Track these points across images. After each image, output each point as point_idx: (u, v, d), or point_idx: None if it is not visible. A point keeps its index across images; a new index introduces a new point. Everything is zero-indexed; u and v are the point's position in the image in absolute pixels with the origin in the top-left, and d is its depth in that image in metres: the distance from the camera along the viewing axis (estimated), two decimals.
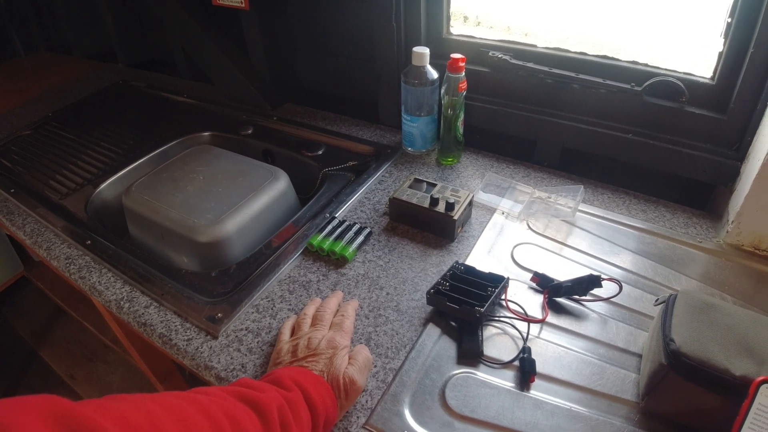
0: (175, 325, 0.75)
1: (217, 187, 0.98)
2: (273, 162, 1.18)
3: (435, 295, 0.74)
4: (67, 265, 0.88)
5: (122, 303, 0.80)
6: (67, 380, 1.80)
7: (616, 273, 0.83)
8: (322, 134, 1.20)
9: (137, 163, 1.13)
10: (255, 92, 1.31)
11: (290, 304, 0.77)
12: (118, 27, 1.62)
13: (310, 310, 0.73)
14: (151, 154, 1.16)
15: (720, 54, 0.89)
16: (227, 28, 1.31)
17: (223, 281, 0.81)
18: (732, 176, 0.92)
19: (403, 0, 1.06)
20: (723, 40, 0.88)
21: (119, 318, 0.81)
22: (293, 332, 0.70)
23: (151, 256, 0.88)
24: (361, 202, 0.98)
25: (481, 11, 1.36)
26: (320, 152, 1.13)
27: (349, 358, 0.65)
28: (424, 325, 0.74)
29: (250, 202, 0.94)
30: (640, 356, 0.71)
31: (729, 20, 0.85)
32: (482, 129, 1.09)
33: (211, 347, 0.72)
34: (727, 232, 0.89)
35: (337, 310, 0.74)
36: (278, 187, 0.99)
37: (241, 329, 0.74)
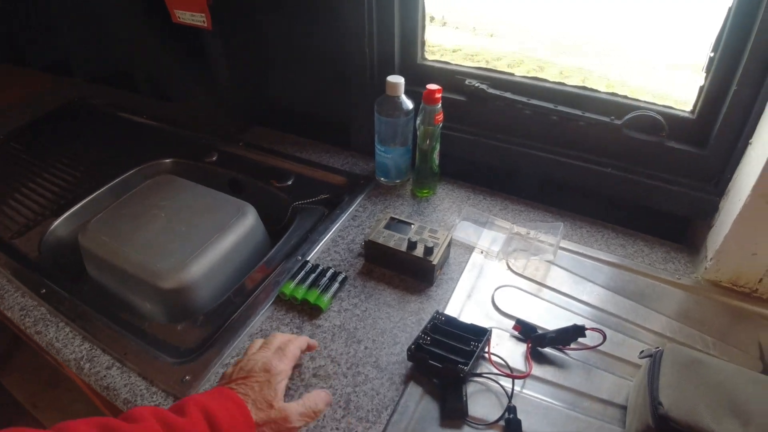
0: (141, 390, 0.70)
1: (181, 225, 0.92)
2: (240, 192, 1.12)
3: (416, 352, 0.71)
4: (22, 317, 0.81)
5: (82, 363, 0.74)
6: (30, 408, 1.71)
7: (596, 315, 0.82)
8: (291, 162, 1.14)
9: (94, 195, 1.06)
10: (220, 115, 1.26)
11: None
12: (77, 40, 1.51)
13: (267, 336, 0.72)
14: (109, 185, 1.08)
15: (701, 88, 0.88)
16: (190, 46, 1.24)
17: (190, 336, 0.76)
18: (710, 211, 0.91)
19: (376, 25, 1.01)
20: (705, 74, 0.87)
21: (80, 378, 0.75)
22: None
23: (112, 306, 0.82)
24: (335, 241, 0.93)
25: (447, 12, 1.33)
26: (290, 182, 1.09)
27: (302, 397, 0.63)
28: (406, 383, 0.70)
29: (218, 242, 0.89)
30: (623, 407, 0.69)
31: (712, 55, 0.84)
32: (458, 158, 1.06)
33: None
34: (706, 268, 0.88)
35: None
36: (246, 224, 0.94)
37: None
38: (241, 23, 1.17)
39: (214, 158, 1.16)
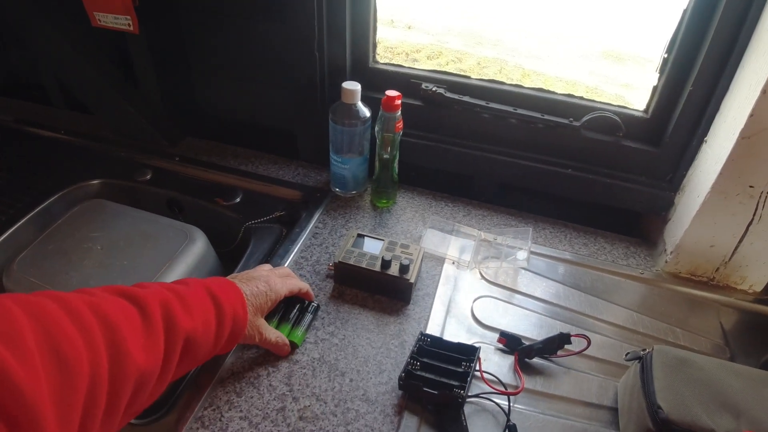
0: None
1: (120, 259, 0.82)
2: (181, 214, 1.02)
3: (408, 380, 0.66)
4: None
5: None
6: None
7: (572, 318, 0.83)
8: (236, 177, 1.06)
9: (14, 228, 0.90)
10: (147, 125, 1.13)
11: (241, 411, 0.65)
12: None
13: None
14: (29, 215, 0.93)
15: (655, 88, 0.90)
16: (112, 50, 1.11)
17: None
18: (666, 206, 0.94)
19: (326, 26, 0.95)
20: (658, 75, 0.89)
21: None
22: None
23: None
24: (298, 263, 0.87)
25: (385, 10, 1.30)
26: (238, 200, 1.00)
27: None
28: (399, 413, 0.66)
29: (166, 275, 0.80)
30: (613, 408, 0.70)
31: (665, 56, 0.86)
32: (416, 165, 1.03)
33: None
34: (666, 261, 0.92)
35: None
36: (196, 251, 0.85)
37: None
38: (170, 25, 1.06)
39: (147, 177, 1.04)
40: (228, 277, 0.68)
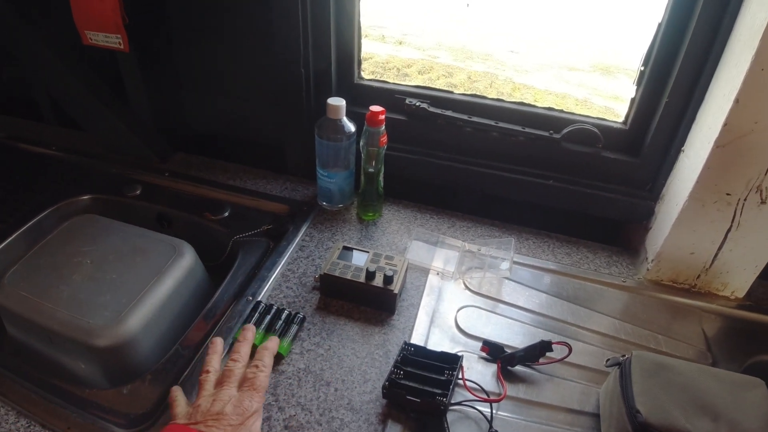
0: None
1: (110, 272, 0.83)
2: (170, 228, 1.04)
3: (392, 389, 0.68)
4: None
5: None
6: None
7: (555, 326, 0.84)
8: (225, 191, 1.07)
9: (4, 243, 0.92)
10: (137, 141, 1.15)
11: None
12: None
13: (214, 363, 0.65)
14: (20, 231, 0.95)
15: (632, 100, 0.93)
16: (102, 68, 1.13)
17: (139, 400, 0.68)
18: (646, 215, 0.96)
19: (312, 44, 0.97)
20: (636, 87, 0.91)
21: None
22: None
23: (42, 372, 0.72)
24: (285, 276, 0.88)
25: (370, 24, 1.32)
26: (226, 214, 1.01)
27: None
28: (383, 422, 0.67)
29: (154, 288, 0.81)
30: (594, 415, 0.72)
31: (642, 69, 0.89)
32: (401, 178, 1.04)
33: None
34: (648, 269, 0.93)
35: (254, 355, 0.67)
36: (184, 264, 0.87)
37: None
38: (159, 44, 1.08)
39: (137, 192, 1.06)
40: (185, 422, 0.58)
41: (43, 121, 1.32)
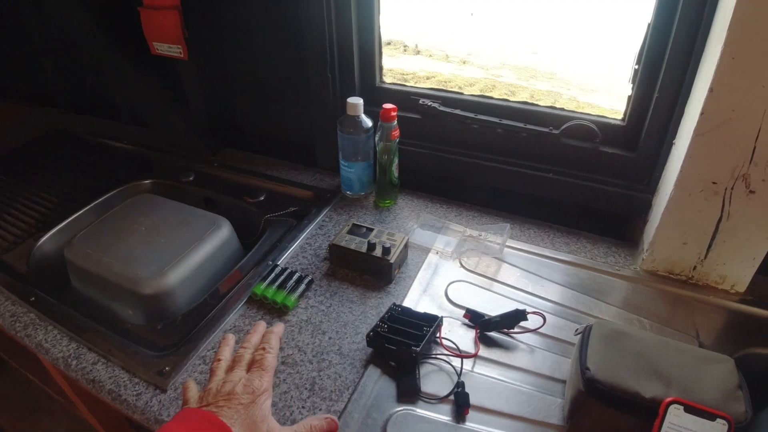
0: (124, 381, 0.76)
1: (159, 237, 0.99)
2: (215, 209, 1.20)
3: (374, 338, 0.78)
4: (12, 323, 0.87)
5: (70, 360, 0.80)
6: None
7: (542, 305, 0.90)
8: (262, 180, 1.23)
9: (78, 214, 1.13)
10: (195, 138, 1.34)
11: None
12: (57, 70, 1.61)
13: (226, 353, 0.68)
14: (91, 204, 1.16)
15: (629, 98, 0.98)
16: (168, 75, 1.33)
17: (169, 334, 0.83)
18: (644, 208, 1.00)
19: (337, 52, 1.11)
20: (631, 85, 0.97)
21: (67, 375, 0.81)
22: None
23: (96, 311, 0.89)
24: (303, 248, 1.01)
25: (420, 39, 1.43)
26: (262, 198, 1.17)
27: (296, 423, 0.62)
28: (365, 366, 0.78)
29: (193, 252, 0.97)
30: (564, 382, 0.77)
31: (636, 67, 0.95)
32: (416, 171, 1.16)
33: (160, 401, 0.73)
34: (643, 259, 0.97)
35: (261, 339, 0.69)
36: (221, 235, 1.02)
37: None
38: (213, 54, 1.27)
39: (190, 178, 1.24)
40: (200, 405, 0.59)
41: (119, 120, 1.56)
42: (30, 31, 1.57)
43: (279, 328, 0.72)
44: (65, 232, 1.09)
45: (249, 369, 0.64)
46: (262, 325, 0.73)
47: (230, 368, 0.64)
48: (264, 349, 0.66)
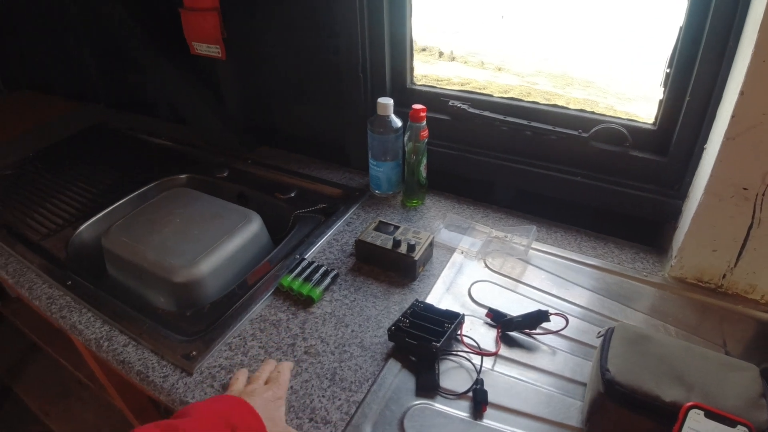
0: (152, 363, 0.79)
1: (193, 229, 1.03)
2: (247, 204, 1.24)
3: (395, 332, 0.80)
4: (49, 305, 0.92)
5: (101, 342, 0.84)
6: (42, 417, 1.79)
7: (566, 308, 0.90)
8: (294, 177, 1.26)
9: (116, 205, 1.18)
10: (230, 136, 1.38)
11: (261, 342, 0.82)
12: (100, 68, 1.68)
13: (240, 377, 0.75)
14: (129, 196, 1.21)
15: (660, 102, 0.97)
16: (206, 74, 1.38)
17: (197, 320, 0.86)
18: (674, 214, 0.99)
19: (369, 52, 1.14)
20: (663, 88, 0.96)
21: (98, 356, 0.85)
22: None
23: (129, 296, 0.93)
24: (330, 243, 1.04)
25: (455, 46, 1.45)
26: (292, 195, 1.20)
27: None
28: (386, 359, 0.79)
29: (224, 243, 1.00)
30: (585, 385, 0.76)
31: (668, 71, 0.94)
32: (444, 172, 1.17)
33: (186, 383, 0.76)
34: (671, 266, 0.96)
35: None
36: (251, 229, 1.05)
37: (215, 366, 0.79)
38: (249, 54, 1.31)
39: (225, 174, 1.28)
40: (236, 392, 0.70)
41: (158, 117, 1.62)
42: (76, 32, 1.65)
43: (289, 363, 0.78)
44: (103, 221, 1.14)
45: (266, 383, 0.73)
46: (272, 362, 0.79)
47: (250, 383, 0.72)
48: (278, 371, 0.75)
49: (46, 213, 1.18)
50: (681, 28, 0.90)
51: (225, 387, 0.75)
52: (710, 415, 0.60)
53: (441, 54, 1.61)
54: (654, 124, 1.01)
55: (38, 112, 1.78)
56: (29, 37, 1.88)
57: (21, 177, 1.35)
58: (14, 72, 2.06)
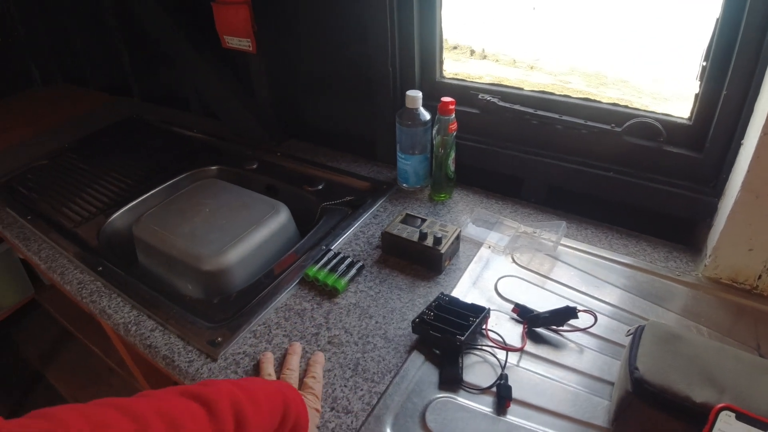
0: (178, 348, 0.81)
1: (221, 219, 1.04)
2: (275, 196, 1.25)
3: (420, 324, 0.79)
4: (80, 289, 0.94)
5: (129, 326, 0.86)
6: (72, 402, 1.84)
7: (595, 305, 0.88)
8: (322, 170, 1.27)
9: (147, 194, 1.21)
10: (260, 129, 1.39)
11: (285, 330, 0.83)
12: (134, 62, 1.72)
13: (269, 370, 0.75)
14: (160, 187, 1.23)
15: (696, 96, 0.94)
16: (236, 68, 1.39)
17: (224, 308, 0.87)
18: (710, 212, 0.96)
19: (398, 45, 1.13)
20: (699, 82, 0.93)
21: (126, 340, 0.87)
22: None
23: (158, 283, 0.95)
24: (356, 235, 1.04)
25: (487, 44, 1.43)
26: (320, 187, 1.20)
27: None
28: (409, 352, 0.79)
29: (252, 234, 1.01)
30: (613, 384, 0.75)
31: (704, 64, 0.91)
32: (472, 166, 1.15)
33: (210, 369, 0.77)
34: (705, 265, 0.93)
35: (307, 368, 0.76)
36: (279, 220, 1.06)
37: (239, 353, 0.79)
38: (280, 48, 1.32)
39: (254, 166, 1.30)
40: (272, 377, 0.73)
41: (190, 110, 1.65)
42: (111, 27, 1.69)
43: (320, 357, 0.77)
44: (134, 210, 1.17)
45: (303, 389, 0.72)
46: (298, 346, 0.79)
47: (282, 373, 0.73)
48: (314, 377, 0.73)
49: (79, 201, 1.21)
50: (717, 19, 0.87)
51: (247, 373, 0.76)
52: (742, 417, 0.58)
53: (472, 52, 1.59)
54: (689, 118, 0.98)
55: (73, 105, 1.83)
56: (65, 31, 1.93)
57: (56, 167, 1.39)
58: (50, 66, 2.12)
